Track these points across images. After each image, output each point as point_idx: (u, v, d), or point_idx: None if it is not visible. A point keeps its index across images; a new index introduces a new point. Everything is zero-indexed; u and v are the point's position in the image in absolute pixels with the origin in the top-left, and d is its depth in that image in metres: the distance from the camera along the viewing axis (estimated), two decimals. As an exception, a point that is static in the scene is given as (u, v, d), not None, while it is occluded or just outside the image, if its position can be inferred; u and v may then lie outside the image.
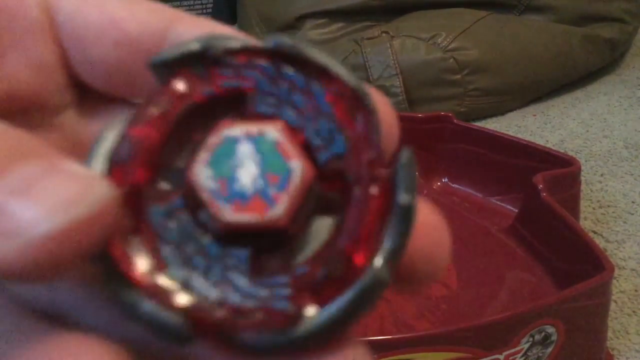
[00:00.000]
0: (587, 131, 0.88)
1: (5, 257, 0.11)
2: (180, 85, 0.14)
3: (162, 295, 0.13)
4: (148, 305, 0.12)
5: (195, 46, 0.14)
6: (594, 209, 0.73)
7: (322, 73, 0.14)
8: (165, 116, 0.14)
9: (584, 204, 0.72)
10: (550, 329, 0.47)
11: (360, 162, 0.14)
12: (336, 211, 0.14)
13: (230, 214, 0.13)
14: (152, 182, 0.14)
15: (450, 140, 0.71)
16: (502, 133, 0.72)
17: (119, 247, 0.13)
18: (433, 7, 0.96)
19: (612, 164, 0.81)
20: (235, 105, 0.14)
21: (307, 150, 0.14)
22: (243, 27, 1.10)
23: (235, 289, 0.13)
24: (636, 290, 0.63)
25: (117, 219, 0.12)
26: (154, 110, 0.14)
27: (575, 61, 0.95)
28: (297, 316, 0.13)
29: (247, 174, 0.13)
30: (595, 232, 0.70)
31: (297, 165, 0.13)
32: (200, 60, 0.14)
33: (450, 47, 0.88)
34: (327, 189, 0.14)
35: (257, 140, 0.13)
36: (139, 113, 0.14)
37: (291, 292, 0.13)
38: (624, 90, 0.97)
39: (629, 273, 0.65)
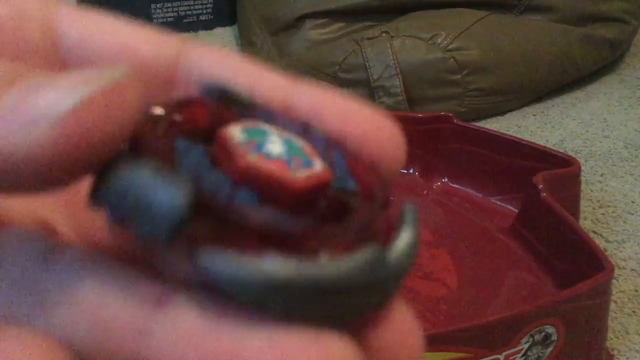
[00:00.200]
0: (587, 131, 0.88)
1: (38, 141, 0.11)
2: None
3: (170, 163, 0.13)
4: (151, 172, 0.12)
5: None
6: (594, 209, 0.73)
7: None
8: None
9: (584, 204, 0.72)
10: (550, 329, 0.47)
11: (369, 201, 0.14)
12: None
13: (253, 157, 0.13)
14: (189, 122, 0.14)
15: (450, 140, 0.71)
16: (502, 133, 0.72)
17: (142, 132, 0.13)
18: (433, 7, 0.96)
19: (612, 164, 0.81)
20: None
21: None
22: (243, 27, 1.10)
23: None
24: (636, 290, 0.63)
25: (137, 101, 0.12)
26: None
27: (575, 61, 0.95)
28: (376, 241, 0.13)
29: (276, 147, 0.14)
30: (595, 232, 0.70)
31: (319, 164, 0.14)
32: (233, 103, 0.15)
33: (450, 47, 0.88)
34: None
35: (286, 139, 0.14)
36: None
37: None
38: (624, 90, 0.97)
39: (629, 273, 0.65)
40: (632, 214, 0.72)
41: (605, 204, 0.74)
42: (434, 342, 0.45)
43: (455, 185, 0.72)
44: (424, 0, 0.96)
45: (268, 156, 0.13)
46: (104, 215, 0.12)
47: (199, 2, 1.18)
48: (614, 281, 0.61)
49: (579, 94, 0.97)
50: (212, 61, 0.16)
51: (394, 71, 0.87)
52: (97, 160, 0.12)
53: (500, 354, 0.46)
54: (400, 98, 0.87)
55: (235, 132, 0.14)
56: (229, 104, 0.15)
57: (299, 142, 0.14)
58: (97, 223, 0.15)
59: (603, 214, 0.73)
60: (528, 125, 0.89)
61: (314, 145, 0.15)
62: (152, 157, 0.12)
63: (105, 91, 0.11)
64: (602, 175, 0.79)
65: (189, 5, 1.17)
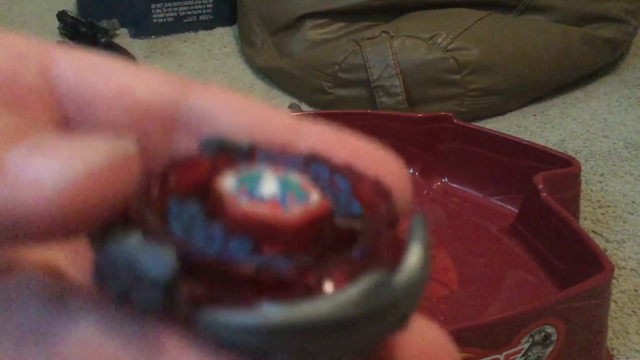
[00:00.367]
0: (587, 131, 0.88)
1: (39, 201, 0.11)
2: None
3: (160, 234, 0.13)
4: (137, 239, 0.12)
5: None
6: (594, 209, 0.73)
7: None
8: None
9: (584, 204, 0.72)
10: (550, 329, 0.47)
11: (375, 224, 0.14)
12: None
13: (246, 203, 0.13)
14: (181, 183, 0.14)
15: (450, 140, 0.71)
16: (502, 133, 0.72)
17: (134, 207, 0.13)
18: (433, 7, 0.96)
19: (612, 164, 0.81)
20: None
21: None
22: (243, 27, 1.10)
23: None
24: (636, 290, 0.63)
25: (138, 174, 0.12)
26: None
27: (575, 61, 0.95)
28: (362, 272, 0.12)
29: (268, 188, 0.14)
30: (595, 232, 0.70)
31: (316, 195, 0.14)
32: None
33: (450, 47, 0.88)
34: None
35: (281, 177, 0.14)
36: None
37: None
38: (624, 90, 0.98)
39: (629, 273, 0.65)
40: (632, 214, 0.72)
41: (605, 204, 0.74)
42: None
43: (455, 185, 0.72)
44: (424, 0, 0.96)
45: (260, 199, 0.13)
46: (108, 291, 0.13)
47: (199, 2, 1.18)
48: (614, 281, 0.61)
49: (579, 94, 0.97)
50: (214, 103, 0.15)
51: (394, 71, 0.87)
52: (95, 224, 0.12)
53: (500, 354, 0.46)
54: (400, 98, 0.87)
55: (227, 182, 0.14)
56: (227, 154, 0.15)
57: (297, 178, 0.14)
58: None
59: (603, 214, 0.73)
60: (528, 125, 0.89)
61: (315, 177, 0.14)
62: (140, 225, 0.12)
63: (112, 164, 0.12)
64: (602, 175, 0.79)
65: (189, 5, 1.17)
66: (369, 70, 0.88)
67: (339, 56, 0.91)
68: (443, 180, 0.73)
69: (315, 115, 0.80)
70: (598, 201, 0.74)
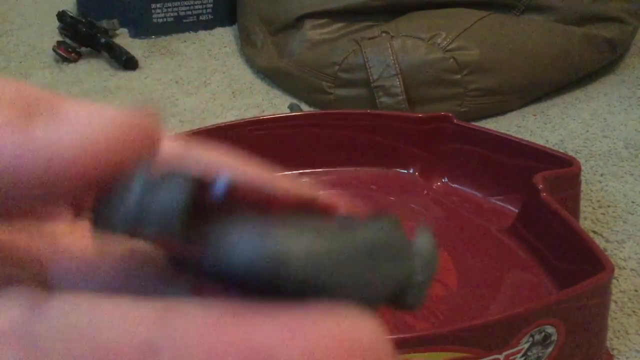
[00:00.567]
0: (587, 131, 0.88)
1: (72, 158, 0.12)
2: None
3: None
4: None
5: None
6: (594, 209, 0.73)
7: None
8: None
9: (584, 204, 0.72)
10: (550, 329, 0.47)
11: None
12: None
13: None
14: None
15: (450, 140, 0.71)
16: (502, 133, 0.72)
17: None
18: (433, 7, 0.96)
19: (612, 164, 0.81)
20: None
21: None
22: (243, 27, 1.10)
23: None
24: (636, 290, 0.63)
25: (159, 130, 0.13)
26: None
27: (575, 61, 0.95)
28: None
29: None
30: (595, 232, 0.70)
31: None
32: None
33: (450, 47, 0.88)
34: None
35: None
36: None
37: None
38: (624, 90, 0.98)
39: (629, 273, 0.65)
40: (632, 214, 0.72)
41: (605, 204, 0.74)
42: (434, 342, 0.45)
43: (455, 185, 0.72)
44: (424, 0, 0.96)
45: None
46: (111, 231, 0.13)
47: (199, 2, 1.18)
48: (614, 281, 0.61)
49: (579, 94, 0.97)
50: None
51: (394, 71, 0.87)
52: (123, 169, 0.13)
53: (500, 354, 0.46)
54: (400, 98, 0.87)
55: None
56: None
57: None
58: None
59: (603, 214, 0.73)
60: (528, 125, 0.89)
61: None
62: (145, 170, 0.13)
63: (133, 119, 0.13)
64: (602, 175, 0.79)
65: (189, 5, 1.17)
66: (369, 70, 0.88)
67: (339, 56, 0.91)
68: (443, 180, 0.73)
69: (308, 116, 0.80)
70: (598, 201, 0.74)
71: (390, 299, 0.12)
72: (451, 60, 0.88)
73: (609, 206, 0.74)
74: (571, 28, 0.96)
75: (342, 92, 0.91)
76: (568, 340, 0.49)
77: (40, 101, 0.13)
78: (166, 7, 1.16)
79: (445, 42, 0.88)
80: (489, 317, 0.53)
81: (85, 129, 0.12)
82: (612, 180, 0.78)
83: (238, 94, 0.99)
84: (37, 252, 0.15)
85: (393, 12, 0.97)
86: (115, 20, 1.14)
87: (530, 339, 0.47)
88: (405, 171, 0.73)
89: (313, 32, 0.98)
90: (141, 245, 0.14)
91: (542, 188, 0.59)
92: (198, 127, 0.80)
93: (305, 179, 0.71)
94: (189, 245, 0.12)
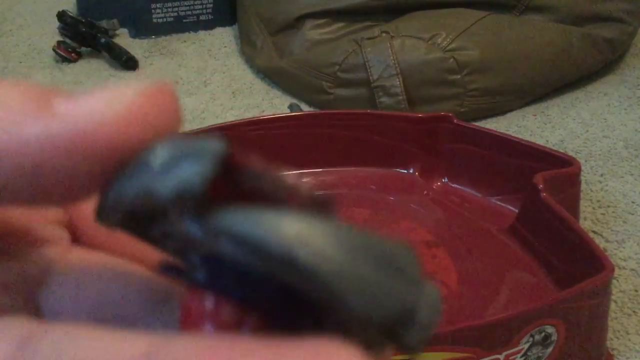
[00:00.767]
0: (587, 131, 0.88)
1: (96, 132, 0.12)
2: None
3: None
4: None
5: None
6: (594, 209, 0.73)
7: None
8: None
9: (584, 204, 0.72)
10: (550, 329, 0.47)
11: None
12: None
13: None
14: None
15: (450, 140, 0.71)
16: (502, 133, 0.72)
17: None
18: (433, 7, 0.96)
19: (612, 164, 0.81)
20: None
21: None
22: (243, 27, 1.10)
23: None
24: (636, 290, 0.63)
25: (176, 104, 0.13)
26: None
27: (575, 61, 0.95)
28: None
29: None
30: (595, 232, 0.70)
31: None
32: None
33: (450, 47, 0.88)
34: None
35: None
36: None
37: None
38: (624, 90, 0.97)
39: (629, 273, 0.65)
40: (632, 214, 0.72)
41: (605, 204, 0.74)
42: (434, 342, 0.45)
43: (455, 185, 0.72)
44: (424, 0, 0.96)
45: None
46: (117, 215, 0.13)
47: (199, 2, 1.18)
48: (614, 281, 0.61)
49: (579, 94, 0.97)
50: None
51: (394, 71, 0.87)
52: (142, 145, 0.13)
53: (500, 354, 0.46)
54: (400, 98, 0.87)
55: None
56: None
57: None
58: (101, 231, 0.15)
59: (603, 214, 0.73)
60: (528, 125, 0.89)
61: None
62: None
63: (152, 93, 0.13)
64: (602, 175, 0.79)
65: (189, 5, 1.17)
66: (368, 70, 0.88)
67: (339, 56, 0.91)
68: (443, 180, 0.73)
69: (308, 116, 0.80)
70: (598, 201, 0.74)
71: (390, 330, 0.12)
72: (451, 60, 0.88)
73: (609, 206, 0.74)
74: (571, 28, 0.96)
75: (342, 92, 0.91)
76: (568, 340, 0.49)
77: (54, 89, 0.13)
78: (166, 7, 1.16)
79: (445, 42, 0.88)
80: (489, 317, 0.53)
81: (107, 100, 0.12)
82: (612, 180, 0.78)
83: (238, 94, 0.99)
84: (29, 278, 0.15)
85: (393, 12, 0.97)
86: (115, 20, 1.14)
87: (530, 339, 0.47)
88: (405, 171, 0.73)
89: (313, 32, 0.98)
90: (133, 269, 0.14)
91: (542, 188, 0.59)
92: (198, 127, 0.80)
93: (305, 179, 0.71)
94: (200, 231, 0.12)
